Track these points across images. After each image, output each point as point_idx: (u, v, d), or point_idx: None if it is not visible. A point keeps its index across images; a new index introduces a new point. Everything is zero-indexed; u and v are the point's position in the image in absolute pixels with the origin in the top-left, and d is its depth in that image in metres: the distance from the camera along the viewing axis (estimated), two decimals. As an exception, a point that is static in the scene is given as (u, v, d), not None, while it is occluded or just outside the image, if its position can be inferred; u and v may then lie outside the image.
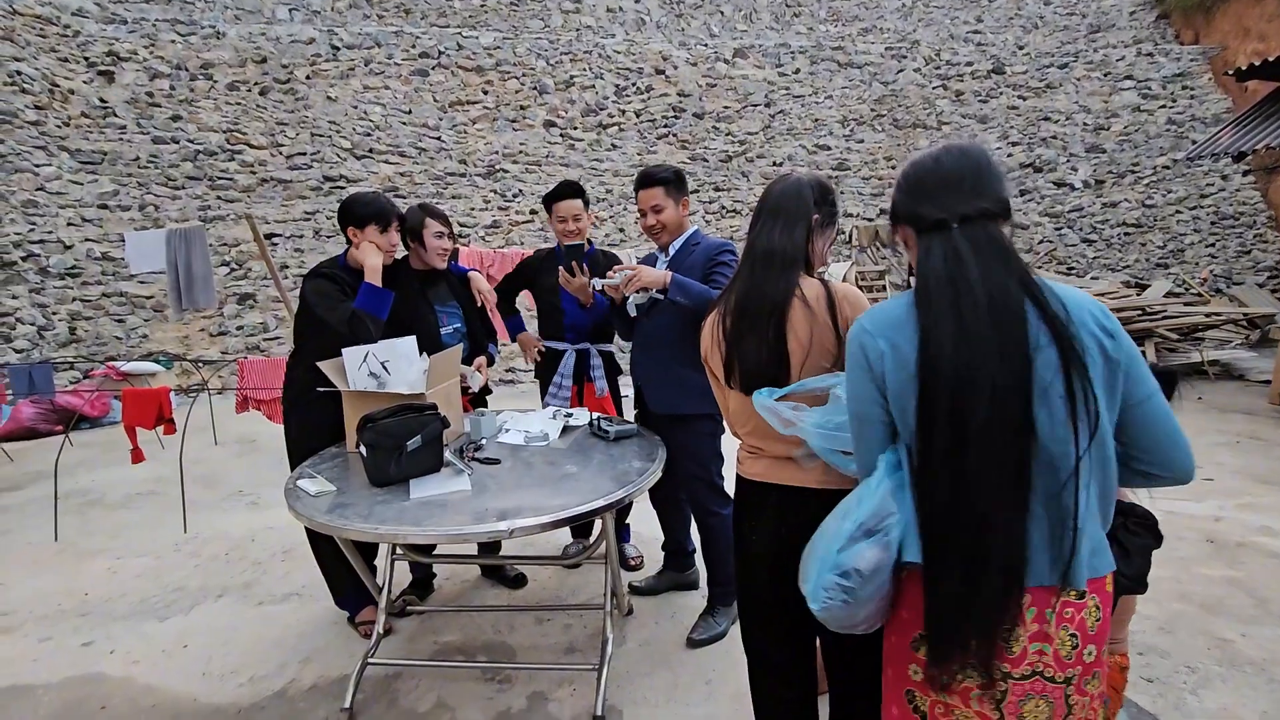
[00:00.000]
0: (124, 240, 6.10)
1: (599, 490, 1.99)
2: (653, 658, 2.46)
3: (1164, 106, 11.18)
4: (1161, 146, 10.58)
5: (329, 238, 8.66)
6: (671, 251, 2.55)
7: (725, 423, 1.71)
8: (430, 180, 9.41)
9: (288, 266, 8.26)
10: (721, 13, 13.05)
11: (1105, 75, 11.71)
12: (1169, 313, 7.26)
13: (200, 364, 6.82)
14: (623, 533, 3.29)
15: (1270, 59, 6.48)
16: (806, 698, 1.60)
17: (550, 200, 2.94)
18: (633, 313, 2.43)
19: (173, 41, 9.47)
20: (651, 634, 2.62)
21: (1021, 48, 12.46)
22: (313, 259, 8.44)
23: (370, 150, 9.42)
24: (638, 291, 2.29)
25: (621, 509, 3.18)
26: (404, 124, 9.79)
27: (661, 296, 2.32)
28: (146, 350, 7.49)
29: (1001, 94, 11.61)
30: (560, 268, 2.69)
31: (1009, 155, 10.86)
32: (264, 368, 4.62)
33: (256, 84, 9.51)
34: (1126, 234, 10.09)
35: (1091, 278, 9.31)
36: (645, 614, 2.76)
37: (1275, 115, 6.30)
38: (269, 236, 8.18)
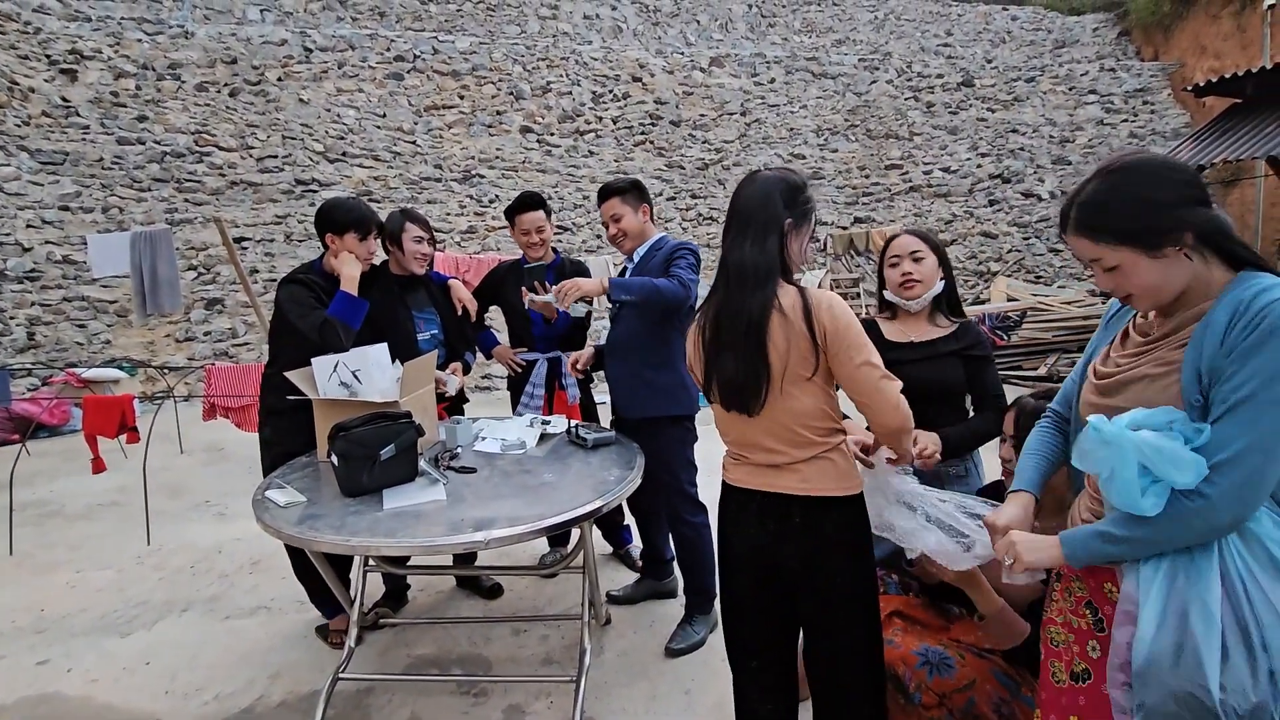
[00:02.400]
0: (86, 243, 5.92)
1: (577, 499, 1.97)
2: (631, 668, 2.45)
3: (1126, 121, 11.52)
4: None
5: (300, 242, 8.51)
6: (636, 258, 2.56)
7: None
8: (405, 185, 9.31)
9: (257, 271, 8.09)
10: (698, 21, 13.15)
11: (1070, 89, 12.03)
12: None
13: (165, 370, 6.64)
14: (625, 534, 3.28)
15: (1226, 76, 6.72)
16: (789, 708, 1.60)
17: (511, 213, 2.94)
18: (579, 313, 2.56)
19: (139, 40, 9.25)
20: (630, 644, 2.60)
21: (990, 61, 12.76)
22: (283, 263, 8.29)
23: (344, 154, 9.30)
24: (577, 301, 2.35)
25: (613, 513, 3.18)
26: (378, 127, 9.68)
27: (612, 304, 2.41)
28: (109, 356, 7.27)
29: (971, 106, 11.86)
30: (523, 288, 2.71)
31: (979, 166, 11.09)
32: (233, 374, 4.52)
33: (226, 85, 9.33)
34: (1091, 243, 10.38)
35: (1059, 286, 9.54)
36: (623, 623, 2.74)
37: (1231, 130, 6.53)
38: (238, 240, 8.01)
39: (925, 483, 1.68)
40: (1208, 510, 0.97)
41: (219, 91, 9.27)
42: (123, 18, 9.43)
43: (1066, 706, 1.16)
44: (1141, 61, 12.60)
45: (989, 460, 2.02)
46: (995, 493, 1.83)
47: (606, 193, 2.57)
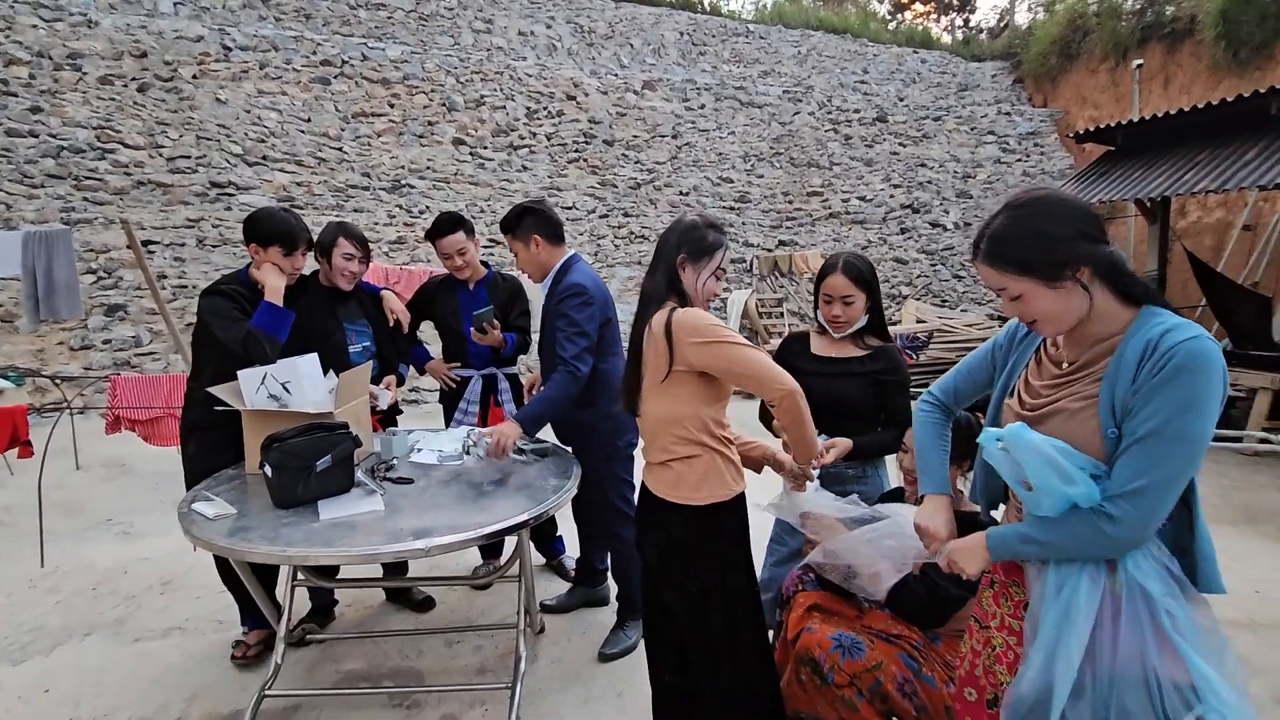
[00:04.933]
0: (-31, 242, 5.45)
1: (516, 507, 2.03)
2: (565, 674, 2.50)
3: (1020, 160, 12.59)
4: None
5: (214, 248, 8.10)
6: (546, 286, 2.61)
7: None
8: (330, 192, 9.03)
9: (166, 277, 7.64)
10: (631, 45, 13.46)
11: (972, 129, 13.05)
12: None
13: (59, 380, 6.16)
14: (557, 545, 3.31)
15: (1101, 126, 7.50)
16: (686, 677, 1.79)
17: (432, 237, 2.92)
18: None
19: (34, 26, 8.61)
20: (563, 650, 2.66)
21: (902, 99, 13.67)
22: (195, 269, 7.87)
23: (264, 157, 8.93)
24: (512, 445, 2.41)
25: (546, 524, 3.21)
26: (302, 132, 9.36)
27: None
28: (-10, 365, 6.67)
29: (885, 140, 12.66)
30: (472, 329, 2.78)
31: (891, 196, 11.82)
32: (140, 385, 4.26)
33: (134, 79, 8.80)
34: (990, 271, 11.25)
35: (961, 310, 10.28)
36: (556, 631, 2.80)
37: (1106, 174, 7.29)
38: (145, 244, 7.53)
39: (826, 484, 1.89)
40: (1114, 530, 1.09)
41: (126, 86, 8.73)
42: (15, 1, 8.76)
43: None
44: (1033, 107, 13.82)
45: (890, 472, 2.26)
46: (896, 498, 2.04)
47: (501, 228, 2.64)
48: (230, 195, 8.48)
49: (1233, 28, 9.53)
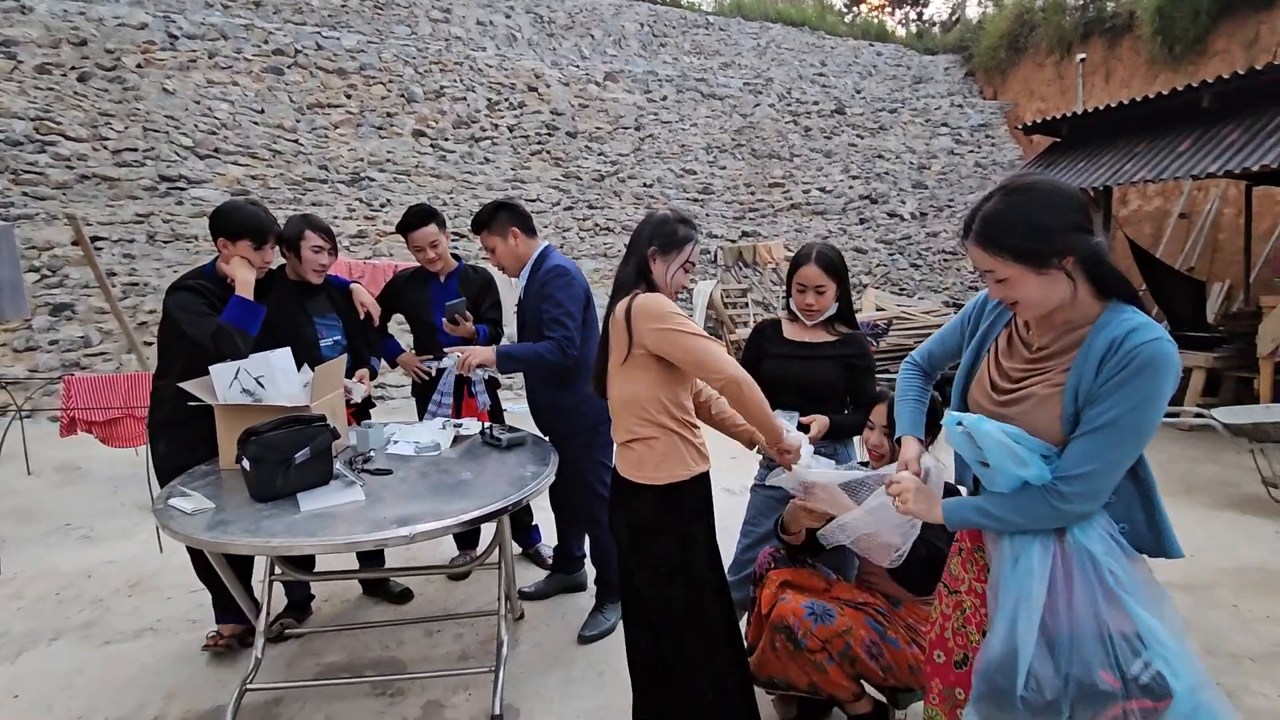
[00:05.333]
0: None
1: (497, 494, 2.07)
2: (546, 656, 2.56)
3: (972, 151, 12.97)
4: (970, 186, 12.27)
5: (165, 243, 7.84)
6: (523, 279, 2.68)
7: None
8: (287, 185, 8.82)
9: (115, 274, 7.37)
10: (592, 36, 13.41)
11: (926, 122, 13.38)
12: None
13: (4, 383, 5.91)
14: (533, 534, 3.36)
15: (1047, 118, 7.79)
16: (656, 646, 1.87)
17: (404, 230, 2.93)
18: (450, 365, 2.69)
19: (-38, 12, 8.18)
20: (543, 635, 2.71)
21: (859, 92, 13.94)
22: (145, 265, 7.62)
23: (216, 149, 8.67)
24: (478, 366, 2.58)
25: (522, 513, 3.25)
26: (255, 123, 9.10)
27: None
28: (-74, 368, 6.37)
29: (843, 132, 12.90)
30: (444, 319, 2.82)
31: (850, 187, 12.07)
32: (97, 385, 4.14)
33: (74, 68, 8.43)
34: (945, 260, 11.58)
35: (919, 298, 10.58)
36: (536, 617, 2.85)
37: (1053, 165, 7.59)
38: (92, 240, 7.25)
39: None
40: (1063, 506, 1.19)
41: (65, 75, 8.36)
42: (-59, -15, 8.30)
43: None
44: (984, 100, 14.24)
45: (857, 450, 2.38)
46: None
47: (474, 226, 2.69)
48: (181, 189, 8.21)
49: (1168, 24, 9.98)
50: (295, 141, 9.25)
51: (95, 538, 3.78)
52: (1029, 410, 1.26)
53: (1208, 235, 9.44)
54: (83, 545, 3.68)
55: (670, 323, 1.69)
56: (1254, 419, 3.99)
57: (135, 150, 8.20)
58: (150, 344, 7.07)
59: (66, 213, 4.53)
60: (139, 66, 8.81)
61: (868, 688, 1.87)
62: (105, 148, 8.11)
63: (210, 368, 2.27)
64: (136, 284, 7.46)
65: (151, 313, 7.38)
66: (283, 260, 2.70)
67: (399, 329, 3.32)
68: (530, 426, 2.77)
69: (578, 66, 11.99)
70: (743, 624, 2.04)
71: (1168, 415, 5.07)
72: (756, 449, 2.11)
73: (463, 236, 8.78)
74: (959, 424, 1.27)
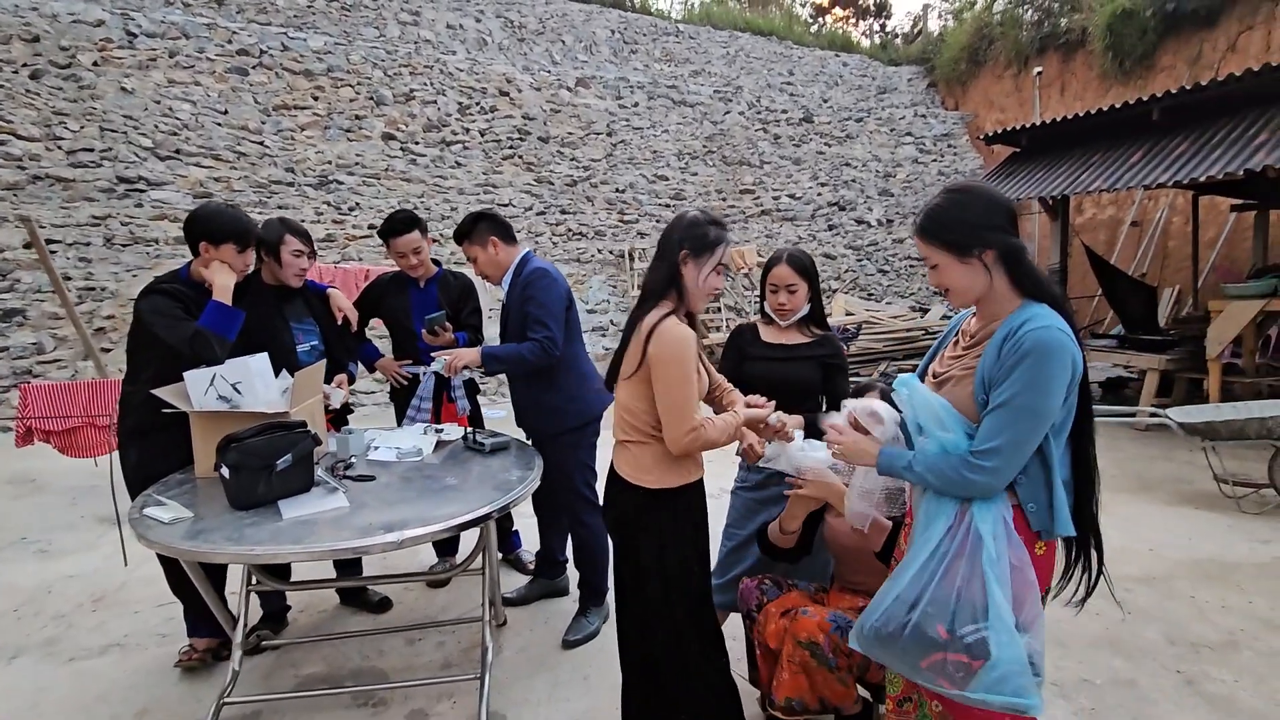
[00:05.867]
0: None
1: (482, 499, 2.07)
2: (531, 662, 2.55)
3: (935, 160, 13.33)
4: (934, 194, 12.64)
5: (124, 247, 7.60)
6: (505, 285, 2.69)
7: None
8: (252, 188, 8.62)
9: (70, 278, 7.11)
10: (563, 41, 13.42)
11: (891, 131, 13.71)
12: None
13: (-50, 392, 5.66)
14: (514, 540, 3.34)
15: (1007, 129, 8.06)
16: (648, 652, 1.89)
17: (387, 235, 2.91)
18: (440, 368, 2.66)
19: (-96, 5, 7.83)
20: (527, 640, 2.70)
21: (826, 101, 14.21)
22: (103, 270, 7.37)
23: (177, 151, 8.43)
24: (464, 368, 2.60)
25: (502, 519, 3.23)
26: (219, 124, 8.89)
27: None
28: None
29: (811, 140, 13.14)
30: (424, 331, 2.81)
31: (819, 194, 12.29)
32: (54, 393, 3.99)
33: (25, 65, 8.12)
34: (911, 266, 11.86)
35: (886, 303, 10.81)
36: (519, 623, 2.83)
37: (1013, 174, 7.84)
38: (46, 243, 6.99)
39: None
40: (974, 476, 1.32)
41: (16, 72, 8.05)
42: (-119, -24, 7.94)
43: None
44: (946, 110, 14.65)
45: None
46: None
47: (455, 238, 2.73)
48: (141, 191, 7.97)
49: (1118, 40, 10.41)
50: (260, 143, 9.05)
51: (54, 551, 3.64)
52: (951, 391, 1.43)
53: (1158, 242, 9.84)
54: (41, 559, 3.54)
55: (672, 365, 1.70)
56: (1206, 418, 4.17)
57: (91, 151, 7.94)
58: (108, 350, 6.83)
59: (19, 214, 4.36)
60: (95, 65, 8.54)
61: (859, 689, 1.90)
62: (59, 148, 7.83)
63: (185, 374, 2.22)
64: (93, 288, 7.22)
65: (109, 318, 7.15)
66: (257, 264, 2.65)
67: (373, 334, 3.29)
68: (506, 432, 2.76)
69: (549, 72, 11.99)
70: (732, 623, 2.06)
71: (1124, 415, 5.31)
72: (737, 450, 2.14)
73: (434, 241, 8.69)
74: (904, 387, 1.46)
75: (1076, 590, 1.49)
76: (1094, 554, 1.48)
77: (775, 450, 1.90)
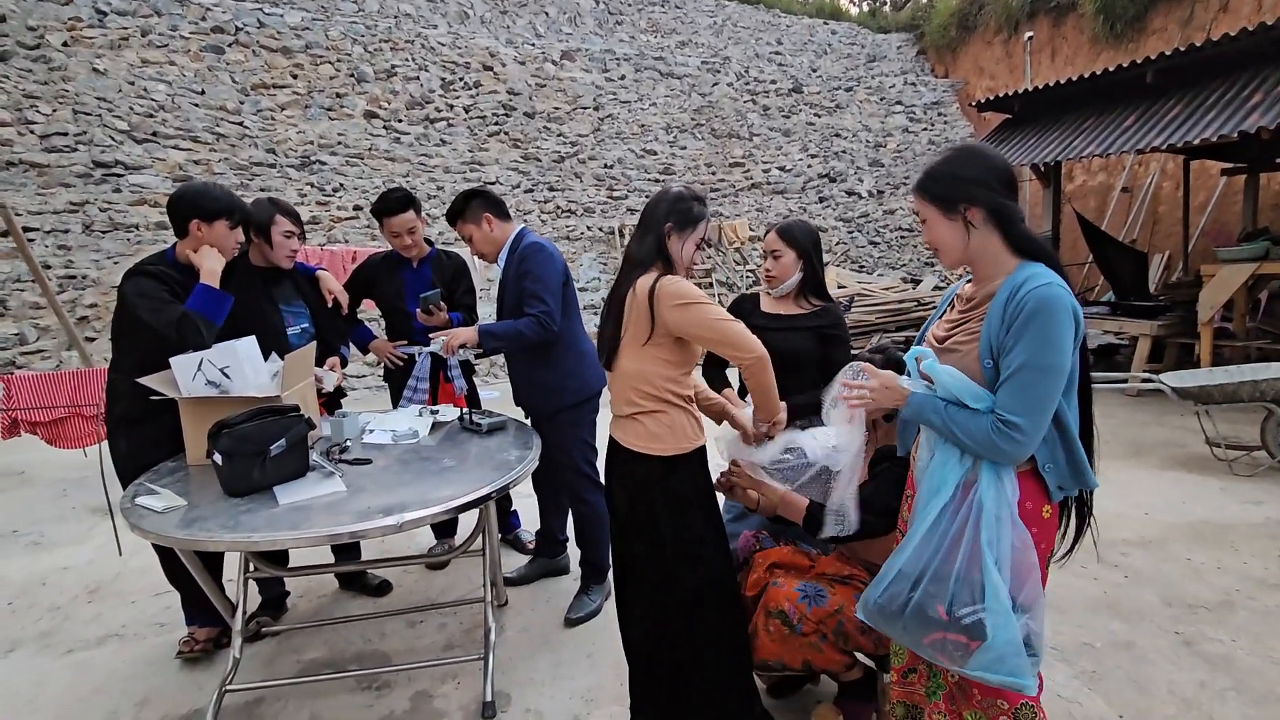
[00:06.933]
0: None
1: (481, 479, 2.04)
2: (534, 641, 2.55)
3: (925, 129, 13.21)
4: (925, 163, 12.57)
5: (104, 234, 7.44)
6: (501, 263, 2.66)
7: None
8: (232, 170, 8.44)
9: (50, 267, 6.96)
10: (546, 14, 13.14)
11: (881, 100, 13.57)
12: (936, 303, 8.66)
13: (-68, 386, 5.54)
14: (512, 520, 3.33)
15: (998, 95, 7.96)
16: (650, 634, 1.89)
17: (381, 214, 2.87)
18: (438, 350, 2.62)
19: None
20: (529, 620, 2.70)
21: (815, 70, 14.02)
22: (83, 257, 7.22)
23: (154, 133, 8.23)
24: (460, 347, 2.54)
25: (501, 499, 3.22)
26: (196, 105, 8.67)
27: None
28: None
29: (801, 111, 12.98)
30: (418, 310, 2.76)
31: (809, 166, 12.17)
32: (40, 383, 3.91)
33: (-9, 47, 7.88)
34: (902, 237, 11.81)
35: (878, 274, 10.78)
36: (520, 602, 2.83)
37: (1004, 141, 7.77)
38: (23, 231, 6.83)
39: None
40: (1001, 441, 1.29)
41: (-18, 54, 7.81)
42: None
43: None
44: (936, 78, 14.49)
45: None
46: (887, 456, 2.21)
47: (449, 218, 2.69)
48: (119, 175, 7.79)
49: (1109, 2, 10.28)
50: (240, 124, 8.85)
51: (46, 544, 3.60)
52: (953, 361, 1.40)
53: (1148, 208, 9.83)
54: (33, 552, 3.50)
55: (696, 299, 1.74)
56: (1199, 382, 4.19)
57: (65, 135, 7.73)
58: (92, 339, 6.72)
59: (-5, 201, 4.24)
60: (65, 45, 8.28)
61: (859, 655, 1.91)
62: (32, 132, 7.62)
63: (171, 360, 2.17)
64: (74, 277, 7.07)
65: (92, 306, 7.02)
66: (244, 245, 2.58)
67: (363, 315, 3.23)
68: (502, 412, 2.73)
69: (533, 45, 11.75)
70: None
71: (1116, 381, 5.34)
72: (724, 426, 2.12)
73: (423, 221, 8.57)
74: (917, 358, 1.43)
75: (1063, 545, 1.50)
76: (1086, 513, 1.50)
77: (732, 440, 1.93)
